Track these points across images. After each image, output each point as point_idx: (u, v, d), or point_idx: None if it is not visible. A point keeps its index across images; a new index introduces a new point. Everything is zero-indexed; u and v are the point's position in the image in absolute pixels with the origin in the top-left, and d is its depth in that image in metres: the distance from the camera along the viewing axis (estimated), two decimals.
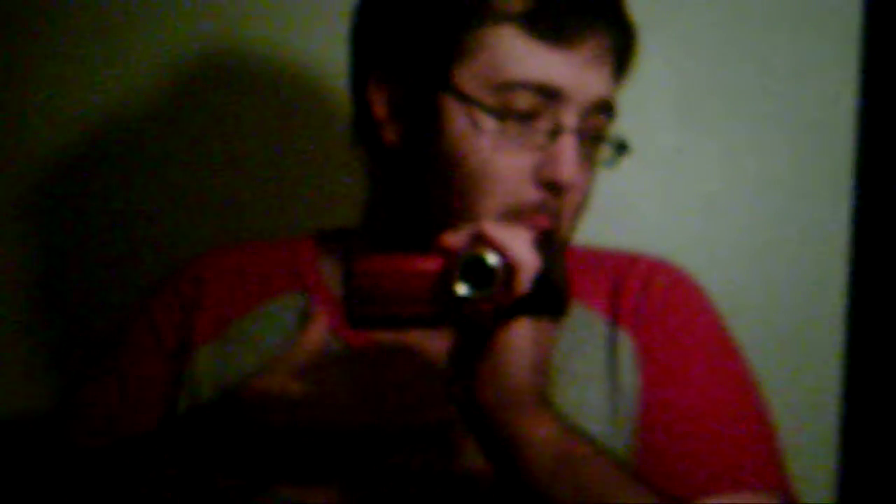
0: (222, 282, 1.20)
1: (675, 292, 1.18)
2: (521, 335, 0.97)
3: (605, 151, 1.14)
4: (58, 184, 1.58)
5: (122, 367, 1.19)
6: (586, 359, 1.13)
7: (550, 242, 1.01)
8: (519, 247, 0.97)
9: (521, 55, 1.08)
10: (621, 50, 1.13)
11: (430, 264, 0.98)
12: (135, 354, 1.19)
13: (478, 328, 0.98)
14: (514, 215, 1.07)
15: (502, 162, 1.07)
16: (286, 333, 1.15)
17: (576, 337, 1.13)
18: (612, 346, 1.14)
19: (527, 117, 1.08)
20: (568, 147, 1.07)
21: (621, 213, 1.49)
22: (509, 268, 0.96)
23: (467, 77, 1.08)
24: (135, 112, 1.56)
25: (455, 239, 0.98)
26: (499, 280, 0.96)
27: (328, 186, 1.39)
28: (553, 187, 1.08)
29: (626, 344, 1.14)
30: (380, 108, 1.12)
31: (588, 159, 1.11)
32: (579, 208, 1.12)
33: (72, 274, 1.58)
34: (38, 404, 1.52)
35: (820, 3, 1.51)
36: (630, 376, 1.12)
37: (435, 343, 1.07)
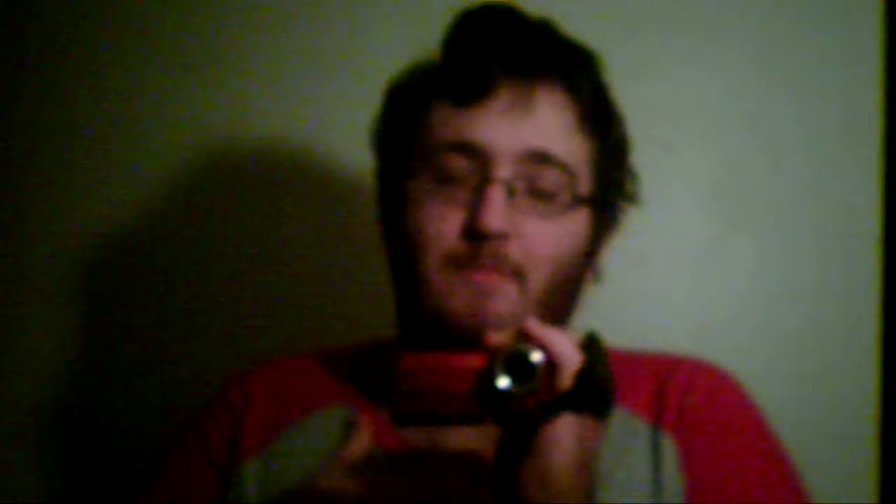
0: (269, 396, 1.22)
1: (717, 394, 1.18)
2: (565, 432, 0.97)
3: (564, 205, 1.14)
4: (76, 301, 1.62)
5: (173, 481, 1.20)
6: (631, 465, 1.13)
7: (594, 341, 1.02)
8: (561, 343, 0.98)
9: (444, 120, 1.15)
10: (566, 91, 1.15)
11: (474, 361, 0.99)
12: (185, 468, 1.20)
13: (521, 425, 0.98)
14: (452, 267, 1.11)
15: (435, 219, 1.12)
16: (330, 446, 1.15)
17: (620, 443, 1.13)
18: (656, 451, 1.14)
19: (461, 178, 1.12)
20: (489, 195, 1.11)
21: (653, 308, 1.49)
22: (552, 363, 0.97)
23: (417, 157, 1.15)
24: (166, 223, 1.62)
25: (498, 337, 1.00)
26: (541, 375, 0.96)
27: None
28: (476, 235, 1.11)
29: (671, 448, 1.14)
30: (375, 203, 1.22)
31: (538, 212, 1.13)
32: (546, 263, 1.13)
33: (102, 384, 1.61)
34: None
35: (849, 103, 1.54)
36: (674, 480, 1.12)
37: (476, 443, 1.07)
